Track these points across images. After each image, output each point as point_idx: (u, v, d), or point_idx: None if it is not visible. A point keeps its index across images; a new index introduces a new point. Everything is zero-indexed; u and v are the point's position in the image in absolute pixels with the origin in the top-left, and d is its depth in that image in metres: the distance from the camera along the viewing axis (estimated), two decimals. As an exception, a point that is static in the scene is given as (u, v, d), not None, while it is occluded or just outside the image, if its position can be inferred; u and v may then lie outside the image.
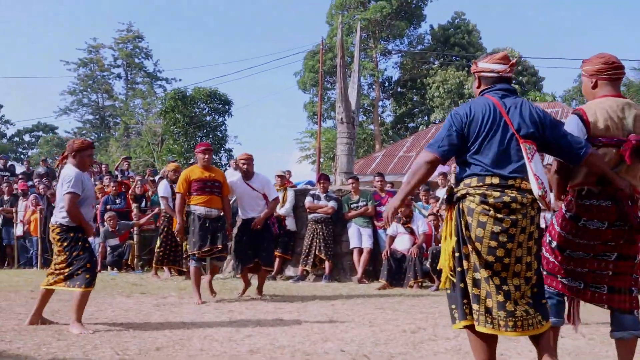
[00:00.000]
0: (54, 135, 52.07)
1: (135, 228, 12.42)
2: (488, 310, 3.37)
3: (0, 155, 19.35)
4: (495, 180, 3.42)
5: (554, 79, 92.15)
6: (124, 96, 49.68)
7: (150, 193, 13.04)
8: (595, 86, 3.80)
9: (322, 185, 10.87)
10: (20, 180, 14.96)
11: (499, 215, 3.36)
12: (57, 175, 16.32)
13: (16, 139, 55.33)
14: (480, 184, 3.44)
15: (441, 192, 11.81)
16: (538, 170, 3.37)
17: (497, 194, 3.39)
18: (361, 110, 38.00)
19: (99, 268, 6.04)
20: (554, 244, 3.76)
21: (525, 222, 3.40)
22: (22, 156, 50.78)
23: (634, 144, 3.50)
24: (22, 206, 13.79)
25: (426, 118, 40.62)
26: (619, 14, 74.36)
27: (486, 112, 3.50)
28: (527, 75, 39.35)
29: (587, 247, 3.66)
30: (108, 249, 12.14)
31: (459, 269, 3.46)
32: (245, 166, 8.21)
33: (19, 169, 20.15)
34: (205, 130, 34.61)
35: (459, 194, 3.50)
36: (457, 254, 3.47)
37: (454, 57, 39.89)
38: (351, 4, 39.03)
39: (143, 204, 12.86)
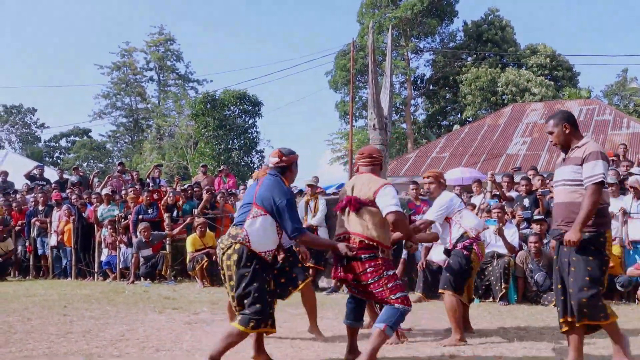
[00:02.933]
0: (89, 138, 52.67)
1: (167, 238, 12.36)
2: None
3: (37, 165, 19.50)
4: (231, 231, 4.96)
5: (593, 74, 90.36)
6: (157, 99, 50.04)
7: (181, 203, 12.96)
8: (357, 169, 5.39)
9: (354, 193, 10.66)
10: (54, 190, 15.01)
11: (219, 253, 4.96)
12: (89, 184, 16.39)
13: (52, 143, 56.10)
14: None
15: (477, 199, 11.53)
16: (250, 225, 4.80)
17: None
18: (393, 109, 37.72)
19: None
20: None
21: (223, 257, 4.84)
22: (58, 160, 51.48)
23: (342, 204, 5.18)
24: (56, 216, 13.84)
25: (459, 116, 40.19)
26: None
27: (251, 187, 5.24)
28: (562, 70, 38.63)
29: None
30: (141, 259, 12.10)
31: None
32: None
33: (53, 175, 20.28)
34: (236, 133, 34.65)
35: None
36: None
37: (487, 54, 39.35)
38: (382, 3, 38.70)
39: (175, 214, 12.77)
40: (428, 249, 9.79)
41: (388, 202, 4.88)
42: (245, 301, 4.73)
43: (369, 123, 12.10)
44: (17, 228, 14.52)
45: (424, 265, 9.59)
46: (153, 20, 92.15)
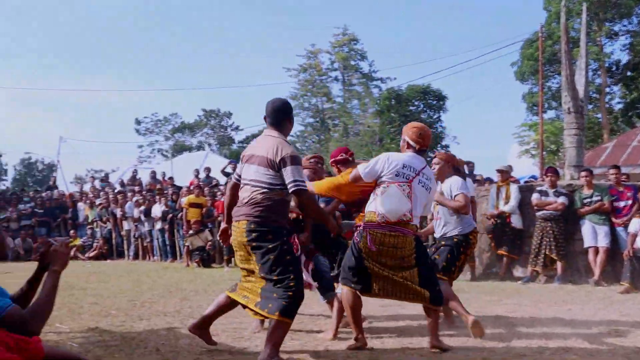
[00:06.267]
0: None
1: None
2: None
3: (230, 161, 20.82)
4: None
5: None
6: (341, 98, 51.13)
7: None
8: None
9: (550, 179, 10.23)
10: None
11: None
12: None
13: (244, 144, 59.38)
14: None
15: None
16: None
17: None
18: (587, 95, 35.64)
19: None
20: None
21: None
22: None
23: None
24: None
25: (661, 103, 37.08)
26: None
27: None
28: None
29: None
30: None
31: None
32: None
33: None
34: (420, 128, 34.46)
35: None
36: None
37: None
38: (572, -14, 36.67)
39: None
40: (635, 236, 9.09)
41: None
42: None
43: (563, 107, 11.57)
44: (219, 218, 15.51)
45: (630, 254, 8.95)
46: (337, 20, 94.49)
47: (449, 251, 5.83)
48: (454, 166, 6.12)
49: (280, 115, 4.82)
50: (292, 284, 4.47)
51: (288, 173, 4.49)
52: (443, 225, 5.98)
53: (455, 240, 5.87)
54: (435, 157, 6.30)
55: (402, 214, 4.83)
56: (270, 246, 4.49)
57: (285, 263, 4.50)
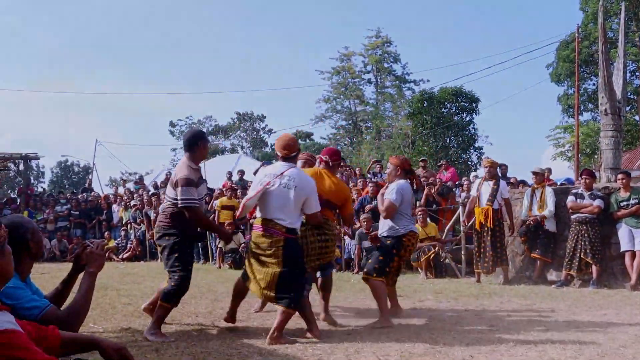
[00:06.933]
0: (312, 141, 55.18)
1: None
2: None
3: (262, 163, 20.91)
4: None
5: None
6: (374, 101, 51.04)
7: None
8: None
9: (585, 182, 10.06)
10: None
11: None
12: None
13: (277, 147, 59.67)
14: None
15: None
16: None
17: None
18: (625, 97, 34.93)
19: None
20: None
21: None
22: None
23: None
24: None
25: (702, 104, 36.26)
26: None
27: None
28: None
29: None
30: (363, 250, 12.39)
31: None
32: None
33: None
34: (453, 130, 34.31)
35: None
36: None
37: None
38: (609, -14, 36.05)
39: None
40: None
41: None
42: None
43: (599, 108, 11.38)
44: (251, 220, 15.58)
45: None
46: (370, 23, 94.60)
47: (380, 254, 6.44)
48: (405, 170, 6.65)
49: (189, 143, 5.95)
50: (176, 276, 5.67)
51: (178, 192, 5.68)
52: (381, 225, 6.62)
53: (388, 242, 6.41)
54: (388, 160, 6.91)
55: (270, 214, 5.48)
56: (164, 244, 5.80)
57: (174, 258, 5.72)
